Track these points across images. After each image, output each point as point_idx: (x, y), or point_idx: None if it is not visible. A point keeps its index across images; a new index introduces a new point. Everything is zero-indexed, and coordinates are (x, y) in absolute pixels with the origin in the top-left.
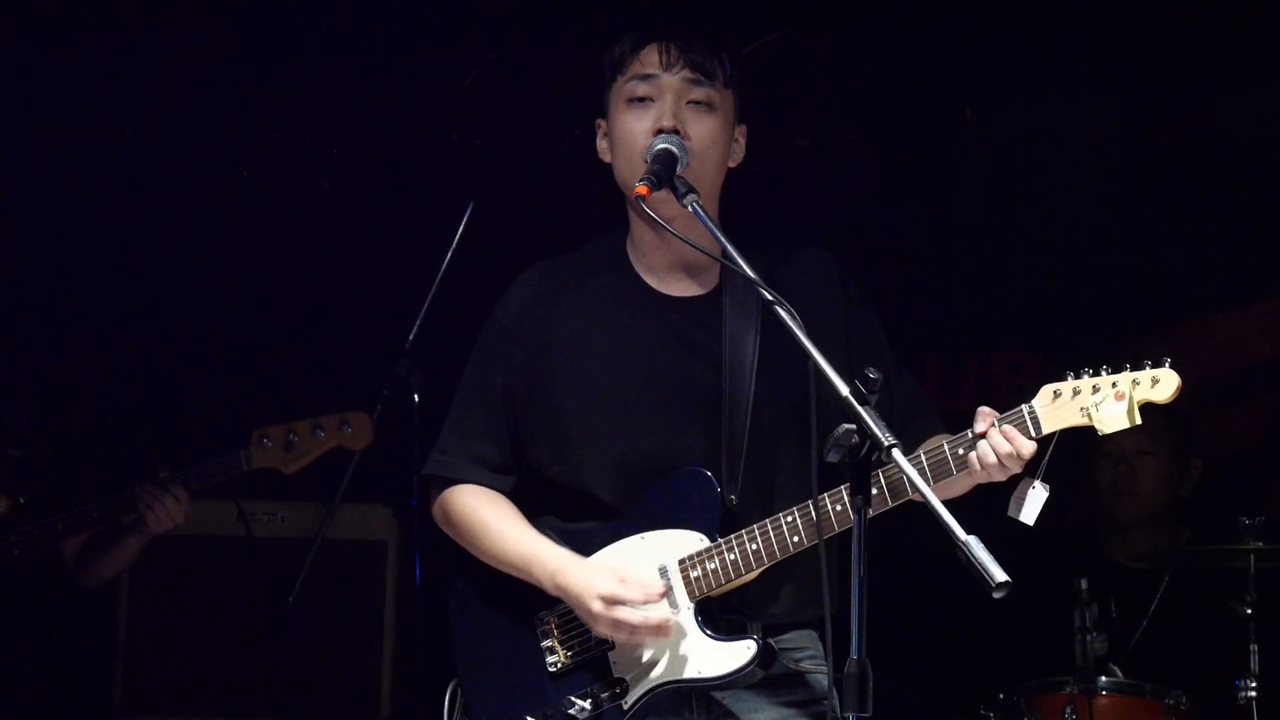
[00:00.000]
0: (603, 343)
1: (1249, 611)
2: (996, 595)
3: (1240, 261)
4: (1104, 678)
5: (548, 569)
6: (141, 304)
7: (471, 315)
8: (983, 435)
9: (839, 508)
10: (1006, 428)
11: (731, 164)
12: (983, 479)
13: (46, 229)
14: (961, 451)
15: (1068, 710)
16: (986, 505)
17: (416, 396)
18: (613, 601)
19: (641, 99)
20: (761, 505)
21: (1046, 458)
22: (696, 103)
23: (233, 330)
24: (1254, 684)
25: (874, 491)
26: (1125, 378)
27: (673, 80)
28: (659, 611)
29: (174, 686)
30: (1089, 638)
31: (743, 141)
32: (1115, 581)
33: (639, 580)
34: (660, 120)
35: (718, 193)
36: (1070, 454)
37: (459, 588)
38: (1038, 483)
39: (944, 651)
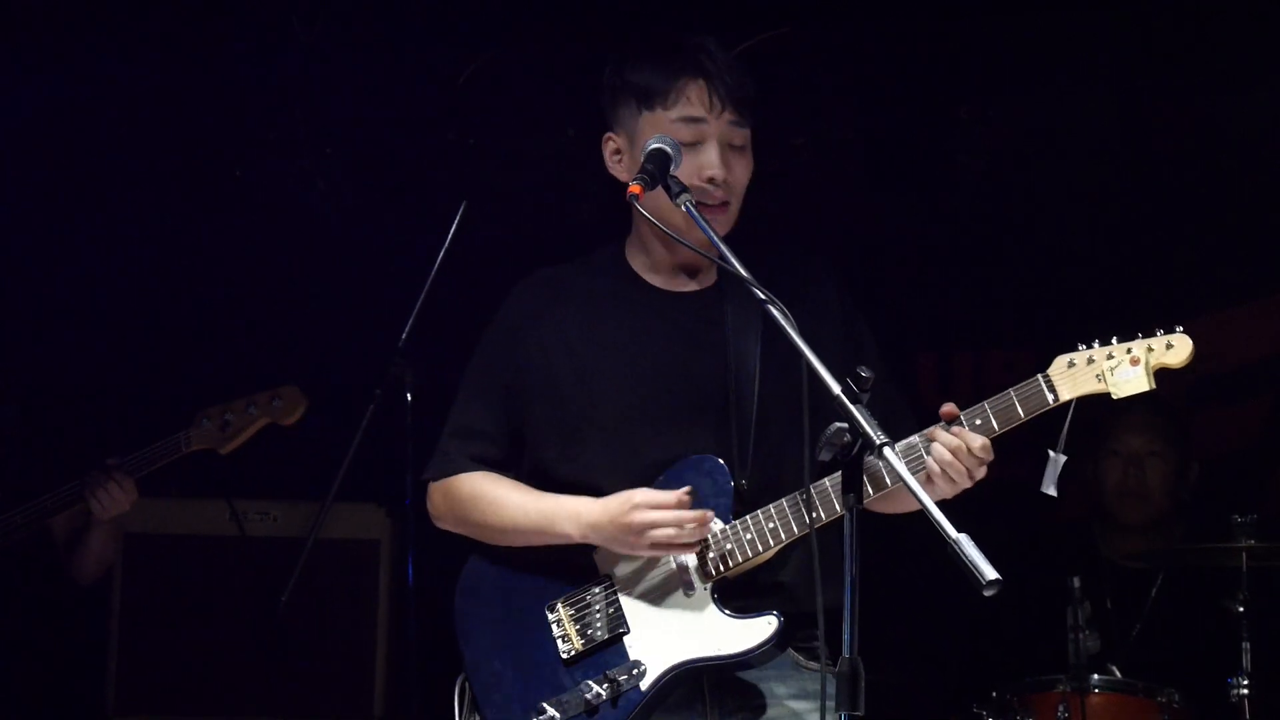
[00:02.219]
0: (607, 339)
1: (1241, 609)
2: (987, 593)
3: (1235, 260)
4: (1097, 675)
5: (571, 514)
6: (133, 304)
7: (465, 314)
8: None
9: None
10: (955, 428)
11: None
12: (946, 489)
13: (40, 231)
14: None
15: (1061, 708)
16: (979, 503)
17: (410, 395)
18: (642, 507)
19: (687, 143)
20: (772, 490)
21: (1066, 426)
22: (736, 146)
23: (226, 329)
24: (1246, 682)
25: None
26: (1140, 344)
27: (719, 125)
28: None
29: (167, 686)
30: (1082, 636)
31: None
32: (1109, 580)
33: (663, 492)
34: (709, 169)
35: None
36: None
37: (465, 585)
38: (1053, 452)
39: (937, 649)
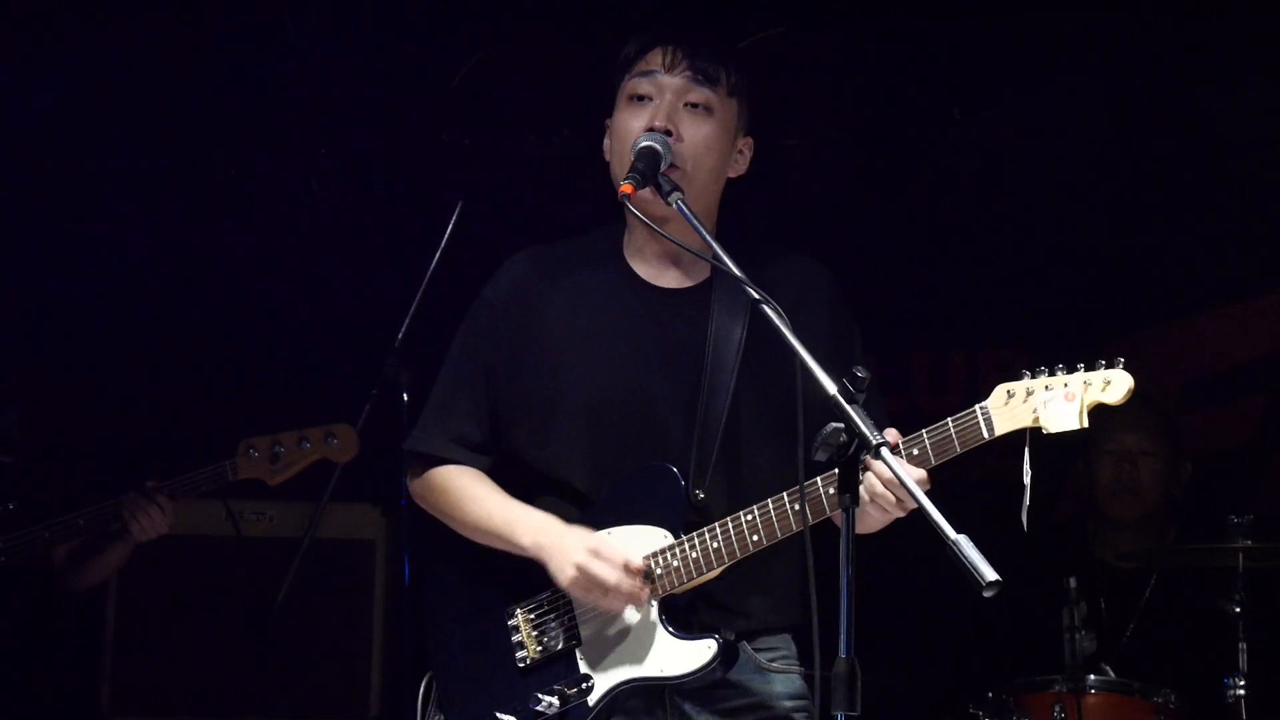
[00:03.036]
0: (587, 329)
1: (1237, 610)
2: (987, 594)
3: (1227, 260)
4: (1093, 676)
5: (530, 527)
6: (129, 305)
7: (460, 314)
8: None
9: (796, 508)
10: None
11: (732, 174)
12: (878, 517)
13: (32, 232)
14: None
15: (1056, 709)
16: (974, 503)
17: (405, 396)
18: (595, 555)
19: (641, 97)
20: (730, 502)
21: (1026, 458)
22: (694, 105)
23: (221, 330)
24: (1242, 682)
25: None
26: (1077, 378)
27: (673, 80)
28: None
29: (162, 687)
30: (1078, 636)
31: (747, 154)
32: (1104, 580)
33: (622, 548)
34: (654, 119)
35: (714, 201)
36: (1059, 450)
37: (436, 579)
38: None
39: (933, 650)
